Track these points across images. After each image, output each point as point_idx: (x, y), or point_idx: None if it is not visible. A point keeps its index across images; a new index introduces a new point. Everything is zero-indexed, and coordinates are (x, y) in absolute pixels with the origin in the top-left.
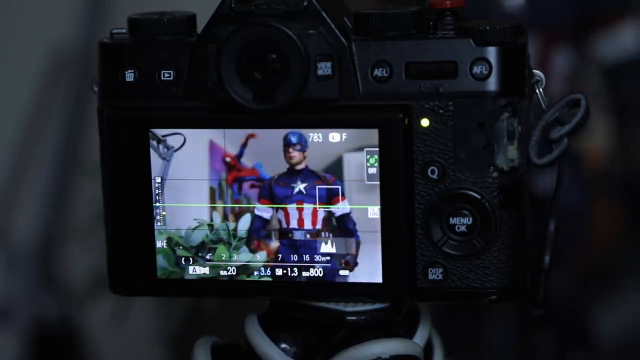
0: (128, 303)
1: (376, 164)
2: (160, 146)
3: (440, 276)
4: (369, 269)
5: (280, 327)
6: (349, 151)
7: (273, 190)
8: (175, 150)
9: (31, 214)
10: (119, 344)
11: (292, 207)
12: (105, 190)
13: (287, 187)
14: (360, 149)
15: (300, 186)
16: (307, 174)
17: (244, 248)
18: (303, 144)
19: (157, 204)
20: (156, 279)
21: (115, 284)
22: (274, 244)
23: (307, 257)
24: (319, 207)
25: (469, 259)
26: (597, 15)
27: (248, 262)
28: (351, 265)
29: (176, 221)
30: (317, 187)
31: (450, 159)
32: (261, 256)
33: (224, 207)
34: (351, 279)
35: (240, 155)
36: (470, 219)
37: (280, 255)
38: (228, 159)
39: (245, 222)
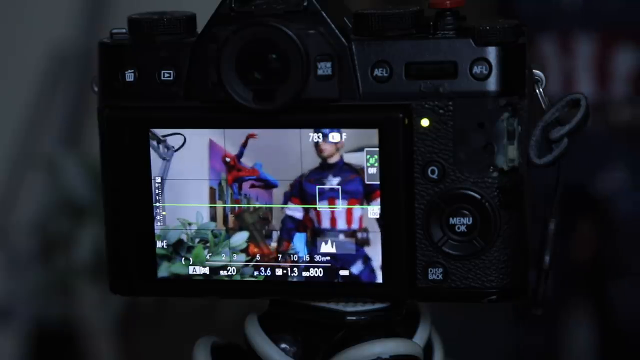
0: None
1: (376, 164)
2: (160, 146)
3: (440, 276)
4: (369, 269)
5: (280, 327)
6: (349, 151)
7: (304, 188)
8: (175, 150)
9: (31, 214)
10: (119, 344)
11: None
12: (105, 190)
13: (318, 182)
14: (360, 149)
15: (333, 182)
16: (342, 168)
17: (227, 250)
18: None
19: (157, 204)
20: (156, 279)
21: (115, 284)
22: (274, 244)
23: (314, 258)
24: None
25: (469, 259)
26: None
27: (229, 262)
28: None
29: (176, 221)
30: (352, 181)
31: (450, 159)
32: (239, 257)
33: (224, 207)
34: (351, 279)
35: (240, 155)
36: (470, 219)
37: (280, 256)
38: (228, 159)
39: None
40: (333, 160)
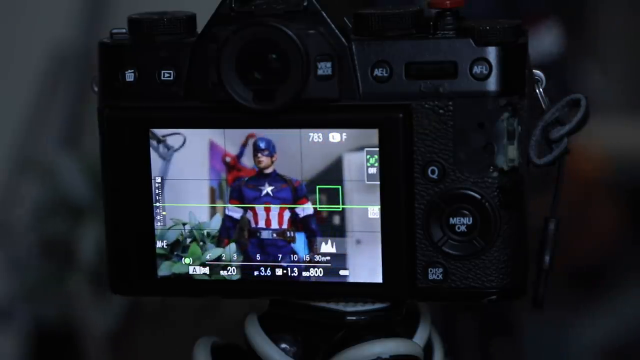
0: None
1: (376, 164)
2: (160, 146)
3: (440, 276)
4: (369, 269)
5: (280, 327)
6: (349, 151)
7: (242, 192)
8: (175, 150)
9: (31, 214)
10: (119, 344)
11: (260, 208)
12: (106, 190)
13: (255, 189)
14: (360, 149)
15: (268, 189)
16: (275, 178)
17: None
18: (271, 150)
19: (157, 204)
20: (156, 279)
21: (116, 284)
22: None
23: (307, 258)
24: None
25: (469, 259)
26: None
27: (229, 262)
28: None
29: (176, 221)
30: (283, 189)
31: (450, 159)
32: (236, 254)
33: (224, 207)
34: (351, 279)
35: (240, 155)
36: (470, 219)
37: (280, 255)
38: (228, 159)
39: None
40: (268, 171)
